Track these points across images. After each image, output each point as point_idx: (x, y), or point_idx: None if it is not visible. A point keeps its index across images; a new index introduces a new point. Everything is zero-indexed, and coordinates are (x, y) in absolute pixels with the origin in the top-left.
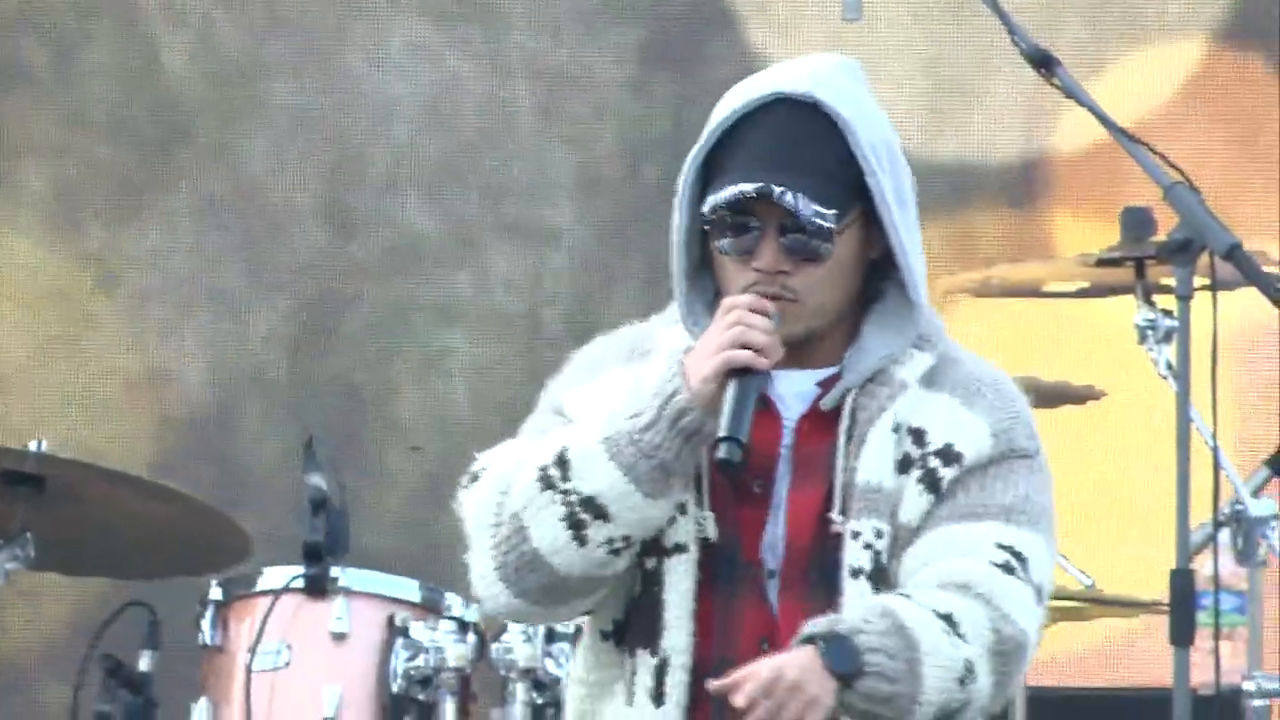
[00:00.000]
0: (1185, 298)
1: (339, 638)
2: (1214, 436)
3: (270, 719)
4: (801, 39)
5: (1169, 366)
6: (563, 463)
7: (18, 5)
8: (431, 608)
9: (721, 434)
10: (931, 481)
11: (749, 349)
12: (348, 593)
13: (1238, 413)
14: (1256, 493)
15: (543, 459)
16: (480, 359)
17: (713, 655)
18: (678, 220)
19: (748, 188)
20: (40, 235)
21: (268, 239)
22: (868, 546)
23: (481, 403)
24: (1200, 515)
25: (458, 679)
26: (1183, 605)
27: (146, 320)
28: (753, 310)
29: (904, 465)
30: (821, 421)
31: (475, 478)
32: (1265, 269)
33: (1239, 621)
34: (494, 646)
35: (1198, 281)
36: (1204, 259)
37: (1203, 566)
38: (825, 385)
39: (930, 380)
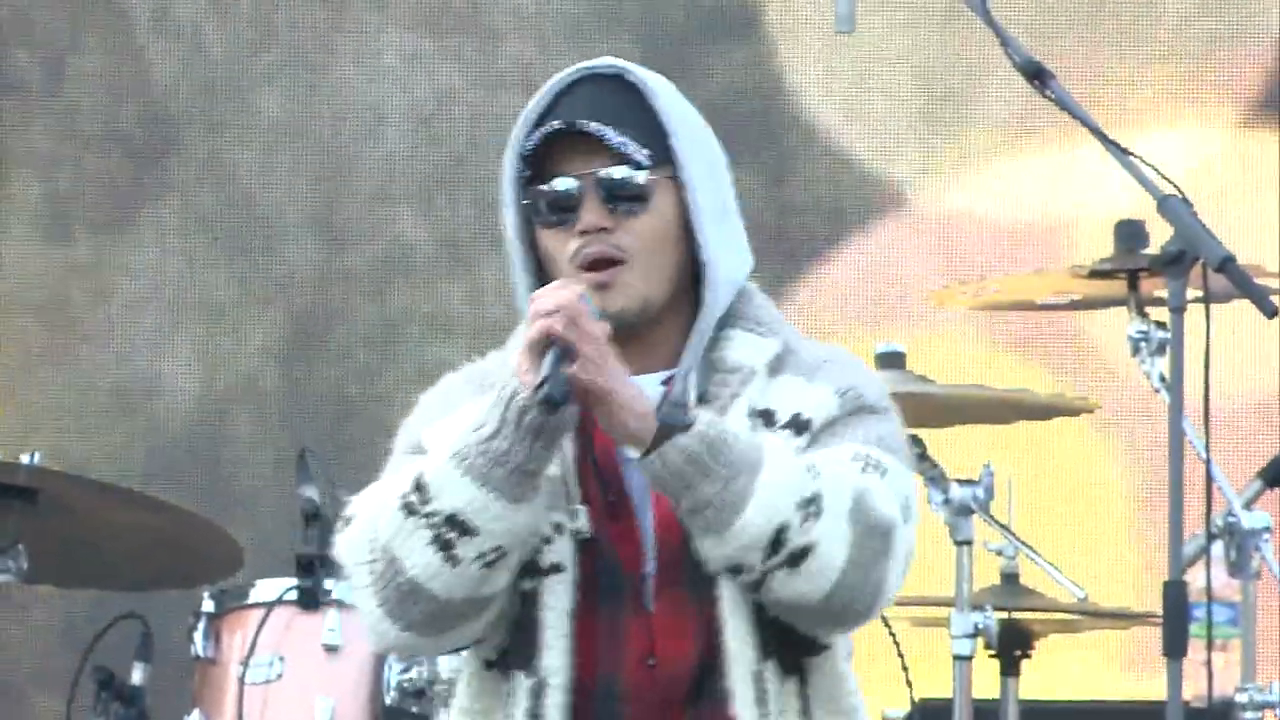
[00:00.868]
0: (1178, 310)
1: (332, 650)
2: (1207, 448)
3: None
4: (794, 50)
5: (1162, 379)
6: (420, 487)
7: (8, 16)
8: None
9: (537, 383)
10: None
11: (548, 318)
12: (341, 605)
13: (1231, 425)
14: (1249, 505)
15: (402, 488)
16: None
17: (596, 674)
18: (509, 219)
19: (556, 124)
20: (31, 246)
21: (259, 250)
22: None
23: None
24: (1193, 527)
25: (451, 691)
26: (1176, 617)
27: (138, 332)
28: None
29: None
30: None
31: (348, 522)
32: (1259, 281)
33: (1232, 634)
34: None
35: (1190, 294)
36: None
37: (1195, 579)
38: (669, 385)
39: (775, 368)
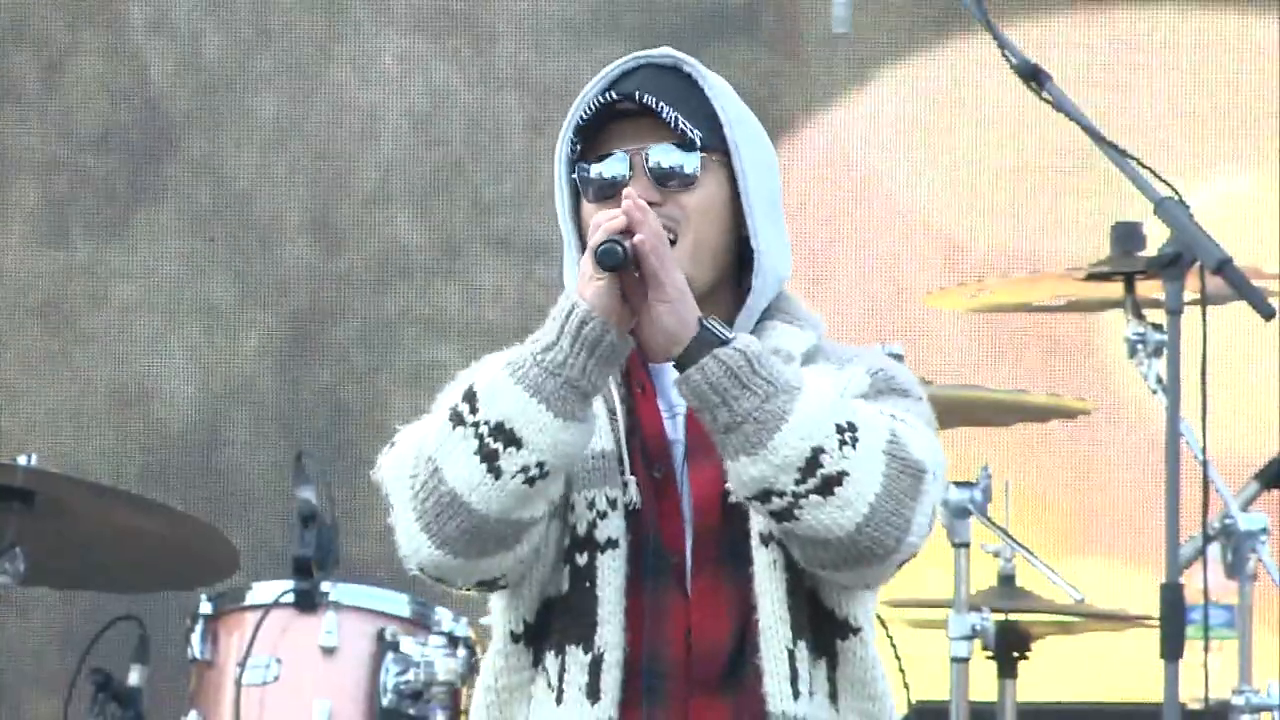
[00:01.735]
0: (1175, 312)
1: (329, 652)
2: (1204, 450)
3: None
4: (792, 52)
5: (1159, 381)
6: (471, 396)
7: (6, 19)
8: (421, 622)
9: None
10: None
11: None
12: (338, 607)
13: (1228, 427)
14: (1246, 507)
15: (453, 401)
16: None
17: (642, 649)
18: (559, 199)
19: (612, 94)
20: (29, 248)
21: (256, 252)
22: None
23: None
24: (1190, 529)
25: (448, 693)
26: (1172, 619)
27: (135, 334)
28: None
29: None
30: None
31: (393, 445)
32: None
33: (1229, 635)
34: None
35: (1187, 296)
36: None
37: (1192, 580)
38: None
39: (811, 356)
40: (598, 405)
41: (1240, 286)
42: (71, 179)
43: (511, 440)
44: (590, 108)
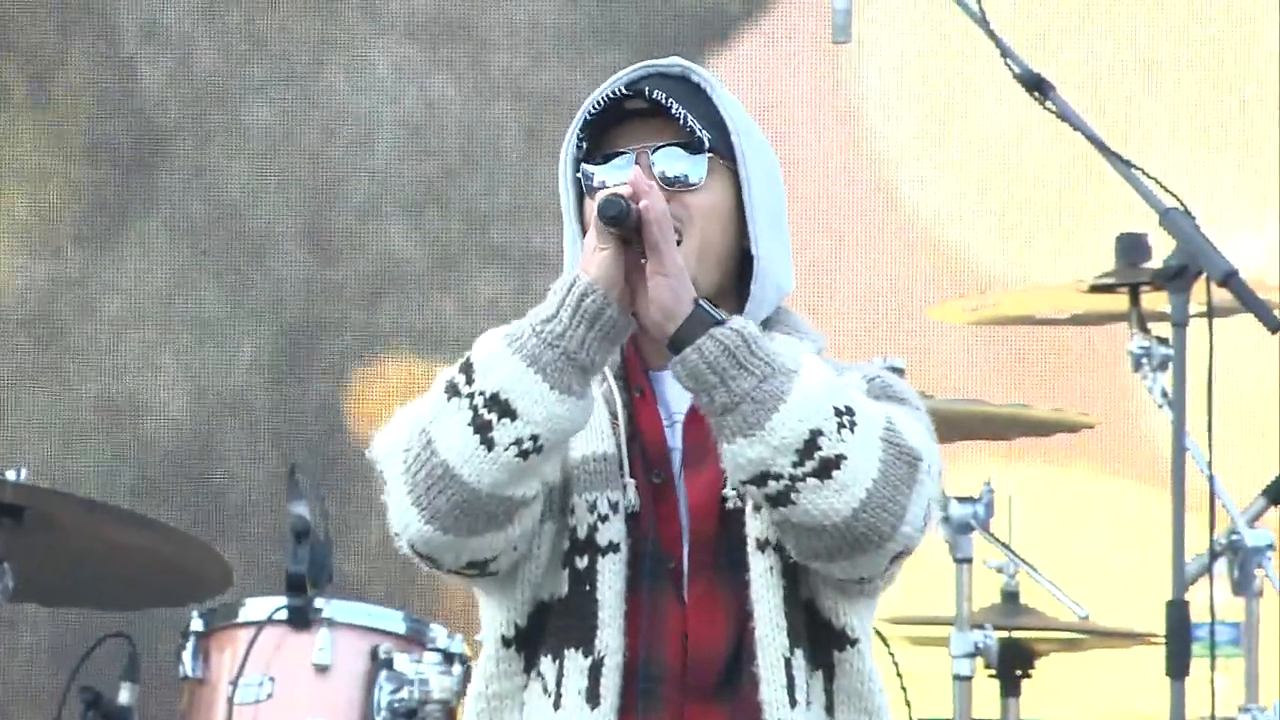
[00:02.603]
0: (1181, 325)
1: (322, 670)
2: (1210, 465)
3: None
4: (791, 62)
5: (1164, 394)
6: (468, 367)
7: None
8: (416, 639)
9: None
10: None
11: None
12: (331, 624)
13: (1235, 442)
14: (1253, 522)
15: (449, 374)
16: None
17: (639, 654)
18: (564, 199)
19: (620, 87)
20: (19, 260)
21: (248, 263)
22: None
23: None
24: (1196, 545)
25: (442, 711)
26: (1178, 637)
27: (126, 346)
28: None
29: None
30: None
31: (390, 422)
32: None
33: (1235, 653)
34: None
35: (1193, 309)
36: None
37: (1197, 597)
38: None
39: None
40: (600, 407)
41: (1246, 299)
42: (62, 189)
43: (506, 411)
44: (598, 104)
